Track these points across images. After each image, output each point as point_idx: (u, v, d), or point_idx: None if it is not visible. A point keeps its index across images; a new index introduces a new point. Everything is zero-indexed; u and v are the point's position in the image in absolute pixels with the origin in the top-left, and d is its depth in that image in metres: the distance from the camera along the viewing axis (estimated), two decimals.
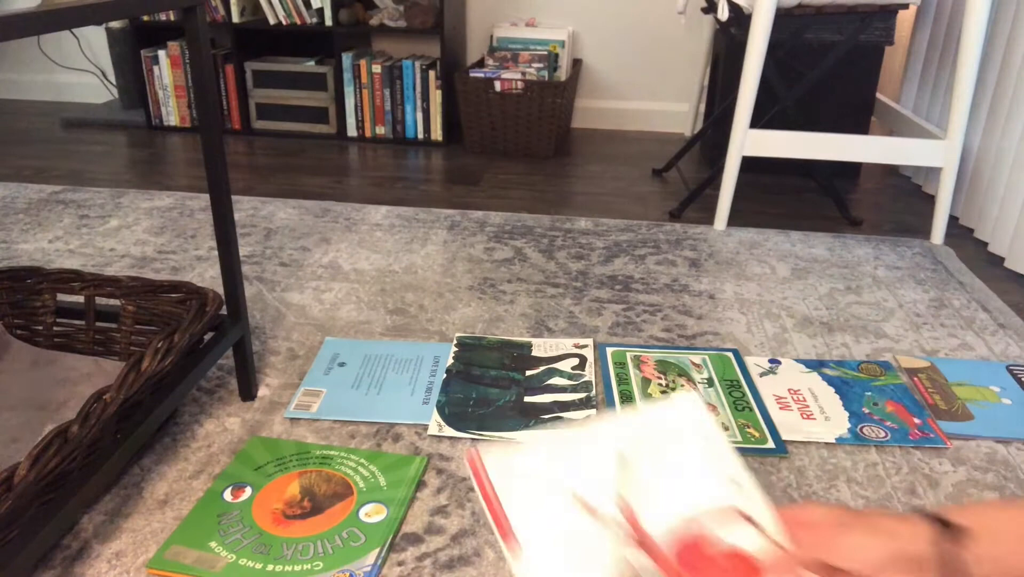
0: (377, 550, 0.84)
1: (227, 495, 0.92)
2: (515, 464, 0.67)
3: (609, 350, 1.27)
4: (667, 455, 0.66)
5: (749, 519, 0.59)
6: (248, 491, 0.93)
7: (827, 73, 2.07)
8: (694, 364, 1.23)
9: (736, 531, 0.59)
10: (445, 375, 1.19)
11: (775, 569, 0.54)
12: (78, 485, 0.77)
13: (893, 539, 0.49)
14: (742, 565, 0.57)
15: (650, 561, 0.58)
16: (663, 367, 1.22)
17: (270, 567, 0.82)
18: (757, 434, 1.06)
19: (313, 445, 1.02)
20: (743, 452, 1.02)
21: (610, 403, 1.12)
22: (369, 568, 0.82)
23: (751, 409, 1.11)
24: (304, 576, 0.81)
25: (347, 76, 2.54)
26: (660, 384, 1.17)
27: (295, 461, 0.99)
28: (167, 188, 2.08)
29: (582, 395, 1.14)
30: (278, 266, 1.58)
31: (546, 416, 1.09)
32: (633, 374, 1.20)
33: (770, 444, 1.04)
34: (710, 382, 1.18)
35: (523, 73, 2.44)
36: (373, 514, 0.90)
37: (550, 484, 0.64)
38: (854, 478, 0.98)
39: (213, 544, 0.85)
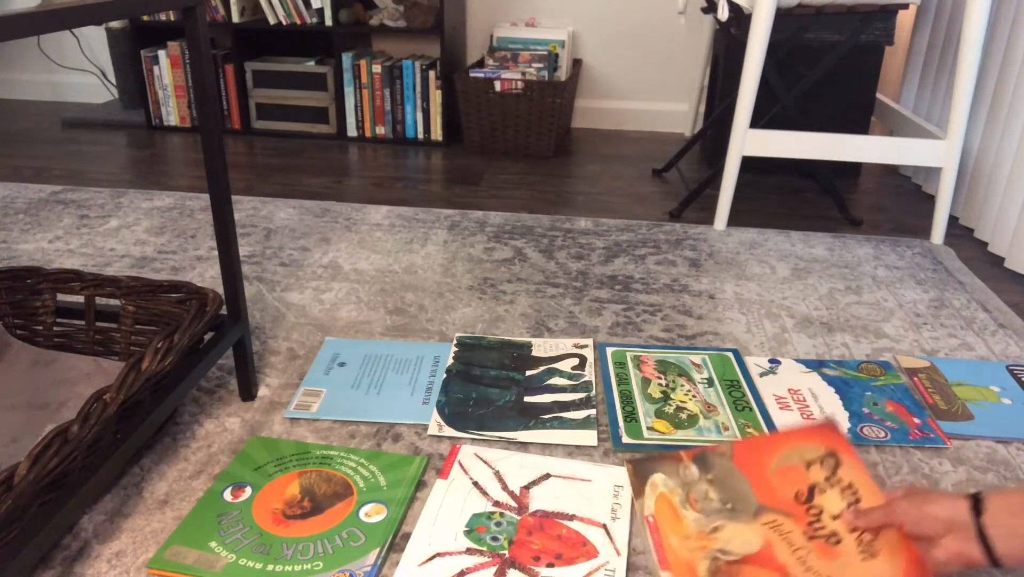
0: (377, 550, 0.84)
1: (227, 495, 0.92)
2: (482, 453, 1.01)
3: (609, 350, 1.27)
4: (573, 484, 0.96)
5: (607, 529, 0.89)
6: (248, 491, 0.93)
7: (827, 73, 2.08)
8: (694, 364, 1.23)
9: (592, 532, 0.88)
10: (445, 375, 1.19)
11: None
12: (78, 485, 0.77)
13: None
14: (574, 539, 0.87)
15: (517, 517, 0.90)
16: (663, 367, 1.22)
17: (270, 567, 0.82)
18: (757, 434, 1.06)
19: (313, 445, 1.02)
20: None
21: (610, 403, 1.12)
22: (369, 568, 0.82)
23: (751, 409, 1.11)
24: (304, 576, 0.81)
25: (347, 76, 2.54)
26: (660, 384, 1.17)
27: (295, 461, 0.99)
28: (167, 188, 2.08)
29: (582, 395, 1.14)
30: (278, 266, 1.58)
31: (546, 416, 1.09)
32: (633, 374, 1.20)
33: None
34: (710, 382, 1.18)
35: (523, 73, 2.44)
36: (373, 514, 0.90)
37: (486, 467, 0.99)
38: None
39: (213, 544, 0.85)
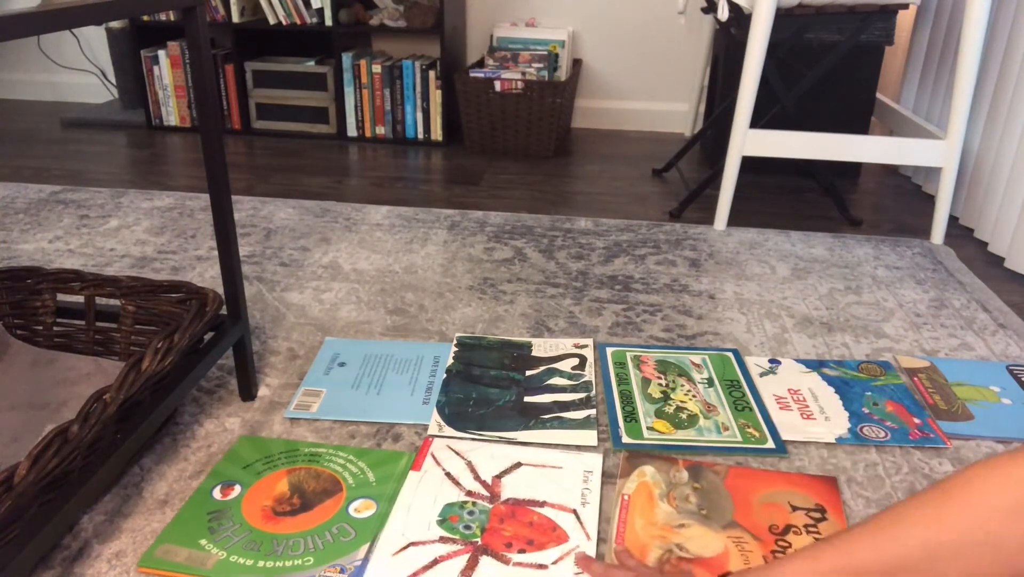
0: (367, 545, 0.84)
1: (216, 493, 0.93)
2: (454, 444, 1.02)
3: (609, 350, 1.27)
4: (544, 472, 0.97)
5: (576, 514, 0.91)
6: (237, 489, 0.93)
7: (827, 73, 2.07)
8: (694, 364, 1.23)
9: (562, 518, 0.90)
10: (445, 375, 1.19)
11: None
12: (78, 485, 0.77)
13: None
14: (545, 525, 0.88)
15: (489, 505, 0.91)
16: (663, 367, 1.22)
17: (261, 563, 0.82)
18: (757, 434, 1.06)
19: (302, 443, 1.02)
20: (743, 452, 1.02)
21: (610, 403, 1.12)
22: (360, 563, 0.82)
23: (751, 409, 1.11)
24: (295, 571, 0.81)
25: (347, 76, 2.54)
26: (660, 384, 1.17)
27: (283, 459, 0.99)
28: (167, 188, 2.08)
29: (582, 395, 1.14)
30: (278, 266, 1.58)
31: (546, 416, 1.09)
32: (633, 374, 1.20)
33: (770, 444, 1.04)
34: (710, 382, 1.18)
35: (523, 73, 2.44)
36: (363, 509, 0.90)
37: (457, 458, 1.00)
38: (854, 478, 0.98)
39: (204, 542, 0.85)
